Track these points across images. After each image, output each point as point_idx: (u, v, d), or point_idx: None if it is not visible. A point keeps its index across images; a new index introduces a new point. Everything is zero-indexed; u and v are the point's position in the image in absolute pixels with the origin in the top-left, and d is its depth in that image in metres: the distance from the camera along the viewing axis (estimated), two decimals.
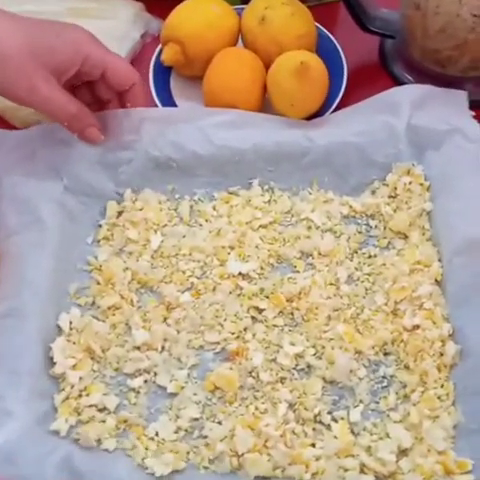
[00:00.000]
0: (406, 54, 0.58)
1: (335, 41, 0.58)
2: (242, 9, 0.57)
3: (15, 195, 0.49)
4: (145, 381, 0.44)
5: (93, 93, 0.52)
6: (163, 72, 0.58)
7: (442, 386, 0.42)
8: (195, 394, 0.43)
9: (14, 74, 0.45)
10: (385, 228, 0.49)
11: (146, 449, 0.41)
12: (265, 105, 0.54)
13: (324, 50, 0.57)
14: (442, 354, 0.43)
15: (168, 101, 0.56)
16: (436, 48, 0.54)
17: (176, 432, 0.42)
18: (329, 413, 0.42)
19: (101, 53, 0.49)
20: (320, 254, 0.48)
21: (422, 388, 0.42)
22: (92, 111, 0.50)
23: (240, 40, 0.57)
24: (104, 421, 0.42)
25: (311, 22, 0.55)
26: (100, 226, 0.51)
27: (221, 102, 0.52)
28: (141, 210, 0.50)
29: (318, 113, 0.53)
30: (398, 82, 0.58)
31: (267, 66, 0.54)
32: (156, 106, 0.55)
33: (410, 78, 0.58)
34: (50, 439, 0.41)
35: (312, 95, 0.52)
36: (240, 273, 0.48)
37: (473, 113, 0.51)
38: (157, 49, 0.58)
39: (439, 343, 0.43)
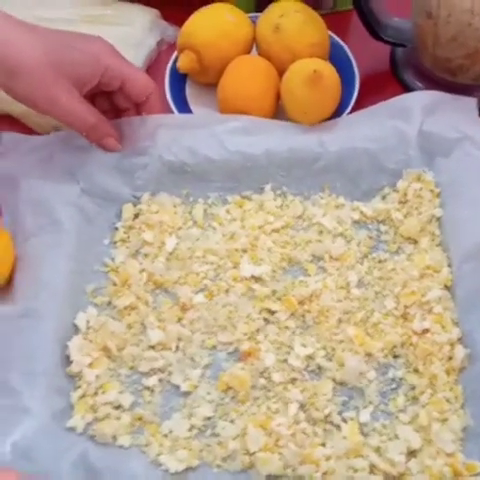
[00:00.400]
0: (417, 62, 0.58)
1: (347, 49, 0.59)
2: (256, 17, 0.59)
3: (32, 198, 0.50)
4: (159, 380, 0.45)
5: (111, 101, 0.53)
6: (179, 79, 0.59)
7: (451, 389, 0.43)
8: (208, 393, 0.44)
9: (34, 85, 0.46)
10: (395, 233, 0.50)
11: (160, 446, 0.42)
12: (278, 112, 0.55)
13: (336, 58, 0.58)
14: (451, 358, 0.44)
15: (184, 108, 0.58)
16: (447, 57, 0.55)
17: (189, 430, 0.43)
18: (339, 414, 0.43)
19: (120, 65, 0.50)
20: (331, 258, 0.49)
21: (431, 391, 0.43)
22: (109, 118, 0.52)
23: (254, 48, 0.58)
24: (119, 418, 0.43)
25: (324, 30, 0.56)
26: (116, 228, 0.52)
27: (235, 109, 0.54)
28: (157, 213, 0.52)
29: (331, 119, 0.54)
30: (409, 90, 0.58)
31: (281, 74, 0.55)
32: (172, 112, 0.57)
33: (421, 86, 0.59)
34: (66, 436, 0.42)
35: (325, 103, 0.53)
36: (253, 276, 0.49)
37: None
38: (173, 56, 0.60)
39: (448, 347, 0.44)
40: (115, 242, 0.52)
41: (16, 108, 0.55)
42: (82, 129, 0.50)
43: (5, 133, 0.54)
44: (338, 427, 0.42)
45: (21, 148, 0.53)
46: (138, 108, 0.54)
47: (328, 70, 0.52)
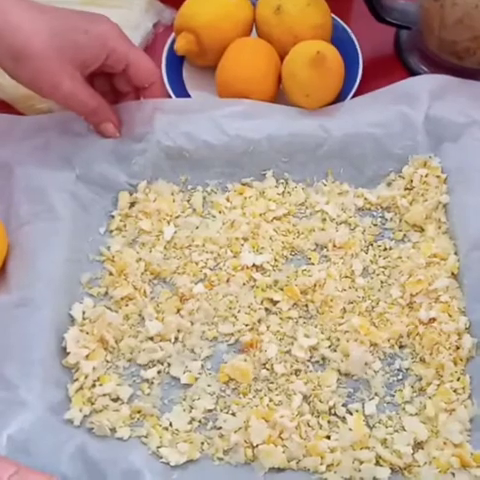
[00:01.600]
0: (422, 45, 0.57)
1: (350, 32, 0.57)
2: None
3: (27, 185, 0.49)
4: (158, 372, 0.44)
5: (111, 84, 0.52)
6: (176, 62, 0.57)
7: (458, 379, 0.42)
8: (209, 385, 0.43)
9: (39, 70, 0.46)
10: (401, 221, 0.49)
11: (161, 438, 0.41)
12: (279, 96, 0.54)
13: (339, 41, 0.56)
14: (458, 347, 0.43)
15: (181, 91, 0.56)
16: (453, 39, 0.54)
17: (190, 423, 0.42)
18: (344, 405, 0.42)
19: (125, 48, 0.49)
20: (335, 246, 0.48)
21: (438, 381, 0.42)
22: (108, 101, 0.50)
23: (254, 30, 0.56)
24: (118, 410, 0.42)
25: (327, 12, 0.55)
26: (112, 217, 0.51)
27: (235, 92, 0.52)
28: (154, 201, 0.50)
29: (333, 104, 0.53)
30: (413, 73, 0.57)
31: (282, 56, 0.53)
32: (169, 96, 0.55)
33: (426, 69, 0.57)
34: (64, 428, 0.41)
35: (328, 86, 0.51)
36: (254, 265, 0.47)
37: None
38: (170, 38, 0.58)
39: (455, 336, 0.43)
40: (111, 231, 0.50)
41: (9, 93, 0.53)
42: (82, 113, 0.49)
43: None
44: (343, 419, 0.41)
45: (15, 133, 0.51)
46: (138, 93, 0.52)
47: (332, 52, 0.51)
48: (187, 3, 0.55)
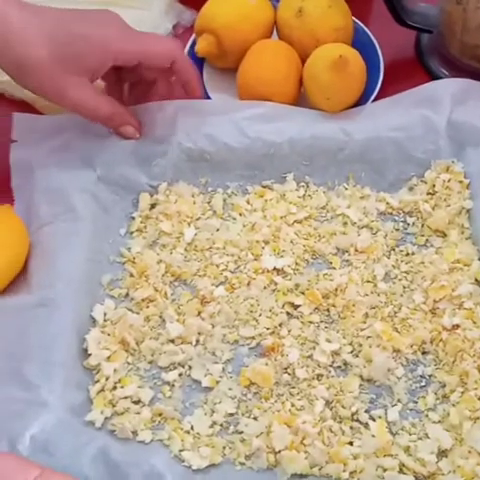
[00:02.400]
0: (443, 49, 0.57)
1: (371, 35, 0.57)
2: (277, 1, 0.57)
3: (48, 185, 0.49)
4: (180, 374, 0.44)
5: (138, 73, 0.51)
6: (196, 63, 0.57)
7: None
8: (230, 389, 0.43)
9: (42, 79, 0.45)
10: (423, 226, 0.49)
11: (182, 441, 0.41)
12: (300, 99, 0.53)
13: (360, 44, 0.56)
14: None
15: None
16: (476, 43, 0.53)
17: (211, 426, 0.42)
18: (366, 411, 0.42)
19: (131, 48, 0.48)
20: (357, 251, 0.48)
21: (462, 389, 0.41)
22: (139, 91, 0.50)
23: (275, 32, 0.56)
24: (139, 413, 0.42)
25: (348, 15, 0.55)
26: (133, 218, 0.50)
27: (256, 95, 0.52)
28: (175, 203, 0.50)
29: (354, 107, 0.53)
30: (434, 77, 0.57)
31: (303, 59, 0.53)
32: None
33: (447, 73, 0.57)
34: (86, 430, 0.41)
35: (349, 89, 0.51)
36: (275, 268, 0.47)
37: None
38: (190, 40, 0.58)
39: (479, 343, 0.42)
40: (132, 232, 0.50)
41: (28, 93, 0.53)
42: (95, 119, 0.49)
43: (17, 114, 0.52)
44: (366, 425, 0.41)
45: (35, 133, 0.51)
46: (166, 75, 0.51)
47: (354, 56, 0.51)
48: (208, 4, 0.55)
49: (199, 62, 0.57)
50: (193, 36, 0.57)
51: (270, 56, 0.53)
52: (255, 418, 0.42)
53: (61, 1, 0.58)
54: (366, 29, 0.57)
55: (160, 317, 0.46)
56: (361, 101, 0.53)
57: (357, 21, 0.57)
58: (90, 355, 0.43)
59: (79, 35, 0.46)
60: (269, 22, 0.55)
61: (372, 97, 0.54)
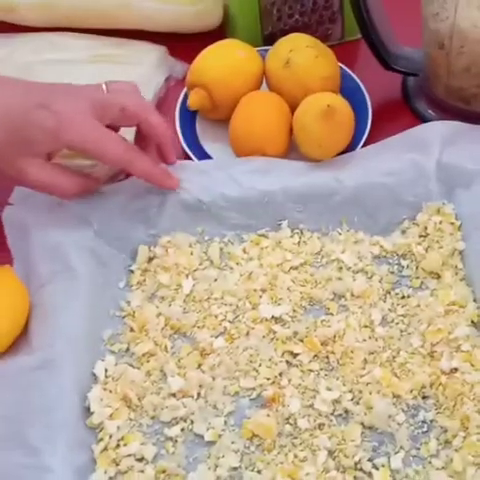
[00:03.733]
0: (429, 91, 0.58)
1: (358, 80, 0.59)
2: (265, 50, 0.58)
3: (45, 244, 0.49)
4: (182, 429, 0.44)
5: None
6: (189, 115, 0.58)
7: None
8: (233, 442, 0.43)
9: (1, 163, 0.46)
10: (417, 268, 0.49)
11: None
12: (291, 147, 0.55)
13: (348, 89, 0.58)
14: None
15: (194, 144, 0.57)
16: (461, 86, 0.55)
17: None
18: (369, 460, 0.41)
19: (82, 140, 0.46)
20: (353, 295, 0.48)
21: (464, 433, 0.41)
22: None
23: (264, 82, 0.58)
24: (143, 471, 0.42)
25: (335, 64, 0.56)
26: (132, 271, 0.51)
27: (249, 148, 0.53)
28: (172, 254, 0.51)
29: (344, 153, 0.54)
30: (422, 118, 0.58)
31: (292, 108, 0.54)
32: (183, 149, 0.56)
33: (434, 114, 0.58)
34: None
35: (339, 137, 0.52)
36: (273, 316, 0.48)
37: None
38: (182, 93, 0.59)
39: (479, 387, 0.42)
40: (131, 285, 0.51)
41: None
42: (57, 195, 0.49)
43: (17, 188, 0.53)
44: (369, 474, 0.41)
45: (31, 200, 0.52)
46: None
47: (341, 104, 0.52)
48: (198, 59, 0.57)
49: (192, 114, 0.59)
50: (185, 89, 0.59)
51: (260, 108, 0.54)
52: (259, 471, 0.42)
53: (50, 59, 0.61)
54: (353, 75, 0.59)
55: (161, 371, 0.46)
56: (351, 145, 0.54)
57: (344, 67, 0.59)
58: (93, 413, 0.43)
59: (31, 121, 0.45)
60: (258, 73, 0.57)
61: (362, 141, 0.55)
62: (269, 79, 0.57)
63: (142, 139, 0.52)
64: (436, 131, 0.52)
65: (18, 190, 0.52)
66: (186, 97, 0.58)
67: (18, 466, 0.40)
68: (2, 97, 0.46)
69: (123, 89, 0.50)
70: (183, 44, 0.63)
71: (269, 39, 0.62)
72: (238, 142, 0.53)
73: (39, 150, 0.47)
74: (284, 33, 0.59)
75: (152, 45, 0.63)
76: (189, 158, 0.56)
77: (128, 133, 0.51)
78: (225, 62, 0.56)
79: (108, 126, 0.48)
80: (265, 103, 0.54)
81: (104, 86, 0.49)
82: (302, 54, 0.55)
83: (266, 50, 0.58)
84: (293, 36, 0.57)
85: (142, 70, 0.61)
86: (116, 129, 0.50)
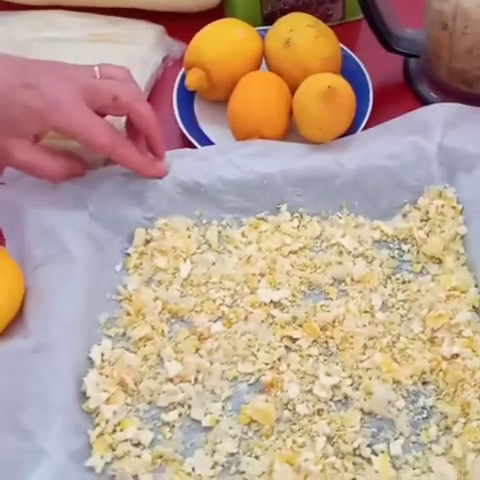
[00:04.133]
0: (431, 73, 0.57)
1: (359, 62, 0.58)
2: (265, 30, 0.57)
3: (40, 225, 0.49)
4: (179, 415, 0.43)
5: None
6: (187, 96, 0.57)
7: None
8: (231, 428, 0.42)
9: None
10: (418, 252, 0.49)
11: None
12: (291, 129, 0.54)
13: (348, 70, 0.56)
14: None
15: (192, 125, 0.56)
16: (463, 68, 0.54)
17: (213, 467, 0.41)
18: (369, 446, 0.41)
19: (70, 124, 0.45)
20: (353, 280, 0.48)
21: (464, 419, 0.41)
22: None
23: (264, 63, 0.56)
24: (140, 456, 0.41)
25: (336, 44, 0.55)
26: (128, 254, 0.50)
27: (247, 128, 0.52)
28: (170, 238, 0.50)
29: (345, 135, 0.53)
30: (424, 101, 0.57)
31: (292, 89, 0.53)
32: (181, 130, 0.55)
33: (435, 97, 0.57)
34: (86, 477, 0.40)
35: (340, 119, 0.51)
36: (272, 301, 0.47)
37: None
38: (180, 73, 0.58)
39: None
40: (127, 269, 0.50)
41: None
42: (43, 178, 0.48)
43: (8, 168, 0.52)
44: (369, 460, 0.41)
45: (24, 179, 0.51)
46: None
47: (342, 85, 0.51)
48: (196, 38, 0.56)
49: (190, 94, 0.57)
50: (183, 69, 0.58)
51: (260, 89, 0.53)
52: (257, 457, 0.41)
53: (48, 37, 0.60)
54: (354, 56, 0.58)
55: (158, 356, 0.45)
56: (352, 128, 0.53)
57: (345, 48, 0.58)
58: (89, 398, 0.43)
59: (17, 102, 0.44)
60: (258, 54, 0.56)
61: (362, 124, 0.54)
62: (269, 59, 0.55)
63: (132, 128, 0.51)
64: (438, 113, 0.51)
65: (9, 170, 0.51)
66: (184, 77, 0.57)
67: (13, 450, 0.40)
68: None
69: (116, 75, 0.49)
70: (181, 24, 0.62)
71: (269, 19, 0.60)
72: (236, 123, 0.52)
73: (24, 131, 0.45)
74: (284, 13, 0.58)
75: (149, 24, 0.62)
76: (186, 139, 0.55)
77: (115, 121, 0.50)
78: (224, 42, 0.54)
79: (95, 112, 0.47)
80: (264, 84, 0.53)
81: (97, 69, 0.48)
82: (302, 34, 0.54)
83: (266, 30, 0.57)
84: (293, 15, 0.56)
85: (140, 49, 0.60)
86: (102, 115, 0.49)
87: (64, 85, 0.45)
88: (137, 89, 0.50)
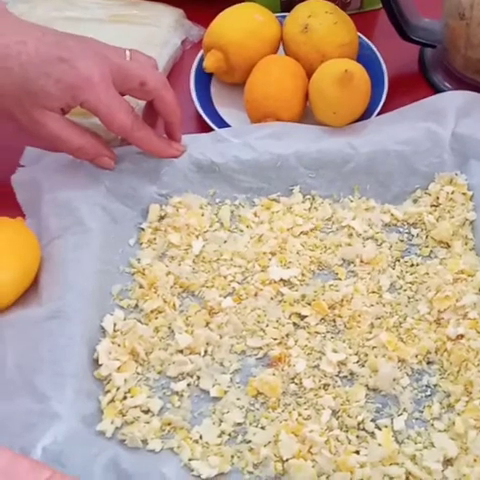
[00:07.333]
0: (447, 63, 0.58)
1: (375, 49, 0.58)
2: (283, 17, 0.58)
3: (56, 199, 0.50)
4: (188, 385, 0.44)
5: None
6: (204, 78, 0.58)
7: None
8: (238, 399, 0.43)
9: (14, 109, 0.46)
10: (427, 237, 0.49)
11: (192, 451, 0.41)
12: (306, 113, 0.54)
13: (365, 58, 0.57)
14: None
15: (208, 107, 0.57)
16: (479, 58, 0.54)
17: (220, 436, 0.42)
18: (372, 421, 0.42)
19: (97, 102, 0.46)
20: (362, 262, 0.48)
21: (467, 398, 0.42)
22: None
23: (281, 47, 0.57)
24: (149, 422, 0.42)
25: (354, 31, 0.56)
26: (142, 229, 0.51)
27: (263, 110, 0.53)
28: (183, 216, 0.51)
29: (359, 121, 0.54)
30: (438, 90, 0.58)
31: (308, 74, 0.54)
32: (197, 112, 0.56)
33: (450, 87, 0.58)
34: (96, 440, 0.41)
35: (355, 103, 0.52)
36: (281, 279, 0.48)
37: None
38: (198, 55, 0.59)
39: None
40: (141, 243, 0.51)
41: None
42: (67, 152, 0.49)
43: (29, 148, 0.53)
44: (372, 434, 0.42)
45: (43, 160, 0.52)
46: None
47: (359, 70, 0.52)
48: (216, 21, 0.57)
49: (207, 77, 0.58)
50: (201, 52, 0.59)
51: (277, 72, 0.54)
52: (263, 427, 0.42)
53: (71, 17, 0.61)
54: (371, 44, 0.59)
55: (169, 328, 0.46)
56: (366, 114, 0.54)
57: (362, 36, 0.59)
58: (101, 365, 0.44)
59: (50, 75, 0.45)
60: (276, 38, 0.57)
61: (377, 110, 0.55)
62: (286, 44, 0.56)
63: (150, 115, 0.52)
64: (452, 101, 0.52)
65: (29, 151, 0.52)
66: (202, 60, 0.57)
67: (27, 412, 0.41)
68: (32, 40, 0.45)
69: (144, 62, 0.50)
70: (200, 8, 0.63)
71: (287, 6, 0.61)
72: (253, 105, 0.53)
73: (54, 103, 0.46)
74: (302, 0, 0.59)
75: (168, 7, 0.63)
76: (202, 121, 0.56)
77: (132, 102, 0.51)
78: (243, 25, 0.55)
79: (119, 93, 0.48)
80: (281, 67, 0.54)
81: (128, 53, 0.49)
82: (321, 20, 0.54)
83: (284, 16, 0.58)
84: (312, 1, 0.56)
85: (160, 32, 0.61)
86: (123, 95, 0.50)
87: (97, 63, 0.46)
88: (164, 77, 0.51)
